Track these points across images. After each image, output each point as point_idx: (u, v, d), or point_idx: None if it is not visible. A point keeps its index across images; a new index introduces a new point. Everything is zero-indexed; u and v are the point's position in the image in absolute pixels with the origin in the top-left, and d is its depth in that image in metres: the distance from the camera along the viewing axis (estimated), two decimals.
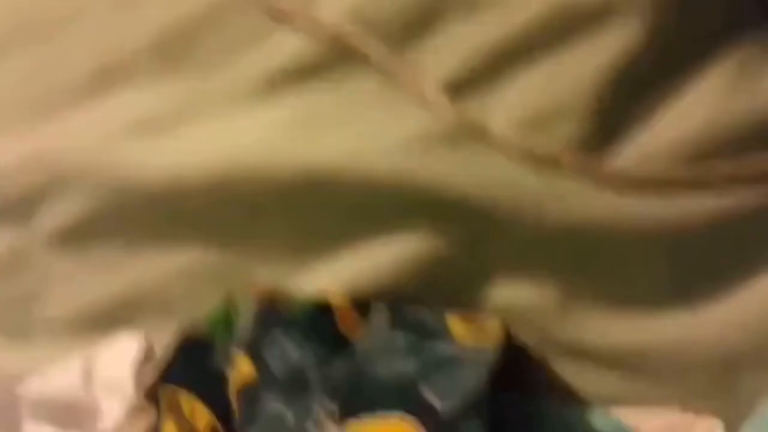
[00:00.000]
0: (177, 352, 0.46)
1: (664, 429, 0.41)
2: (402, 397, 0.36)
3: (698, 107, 0.42)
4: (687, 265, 0.42)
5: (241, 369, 0.41)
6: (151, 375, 0.46)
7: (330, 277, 0.47)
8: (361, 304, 0.45)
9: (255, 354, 0.41)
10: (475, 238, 0.44)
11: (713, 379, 0.41)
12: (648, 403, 0.42)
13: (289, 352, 0.41)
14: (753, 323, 0.41)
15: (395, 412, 0.36)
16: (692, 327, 0.42)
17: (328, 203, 0.46)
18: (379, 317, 0.44)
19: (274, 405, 0.39)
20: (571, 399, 0.43)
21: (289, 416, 0.38)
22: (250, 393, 0.40)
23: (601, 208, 0.42)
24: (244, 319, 0.44)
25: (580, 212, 0.42)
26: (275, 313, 0.43)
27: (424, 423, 0.35)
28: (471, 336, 0.42)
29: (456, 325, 0.43)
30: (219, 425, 0.43)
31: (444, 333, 0.42)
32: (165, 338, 0.47)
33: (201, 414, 0.43)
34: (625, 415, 0.42)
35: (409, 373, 0.38)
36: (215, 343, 0.46)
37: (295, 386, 0.39)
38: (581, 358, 0.44)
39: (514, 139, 0.43)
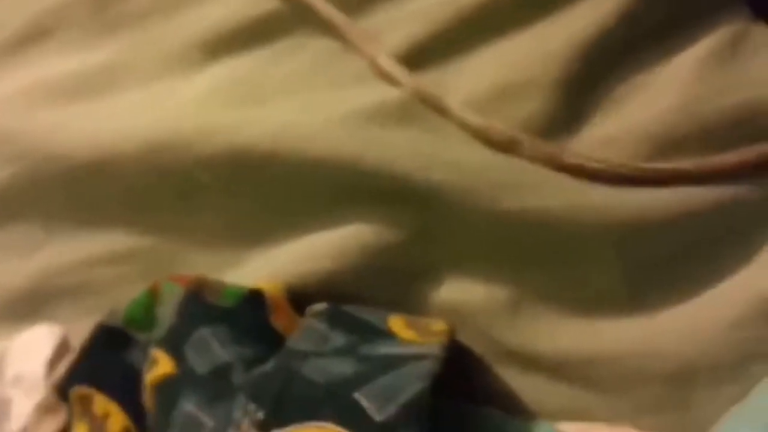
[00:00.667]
0: (91, 347, 0.41)
1: None
2: (335, 405, 0.33)
3: (667, 91, 0.40)
4: (644, 265, 0.40)
5: (159, 365, 0.37)
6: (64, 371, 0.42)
7: (265, 265, 0.44)
8: (298, 299, 0.42)
9: (176, 350, 0.38)
10: (424, 227, 0.41)
11: (666, 393, 0.39)
12: (596, 417, 0.40)
13: (214, 350, 0.37)
14: (711, 333, 0.39)
15: (326, 422, 0.32)
16: (647, 335, 0.40)
17: (263, 183, 0.43)
18: (316, 315, 0.40)
19: (191, 407, 0.35)
20: (515, 410, 0.40)
21: (208, 421, 0.34)
22: (167, 390, 0.36)
23: (558, 197, 0.40)
24: (167, 311, 0.39)
25: (536, 200, 0.40)
26: (201, 305, 0.39)
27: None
28: (415, 337, 0.38)
29: (399, 326, 0.40)
30: (135, 429, 0.39)
31: (386, 334, 0.39)
32: (84, 329, 0.43)
33: (115, 416, 0.39)
34: (572, 430, 0.39)
35: (345, 378, 0.34)
36: (134, 337, 0.41)
37: (217, 388, 0.35)
38: (529, 365, 0.41)
39: (472, 117, 0.40)
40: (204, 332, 0.38)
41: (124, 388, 0.40)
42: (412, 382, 0.33)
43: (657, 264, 0.39)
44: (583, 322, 0.40)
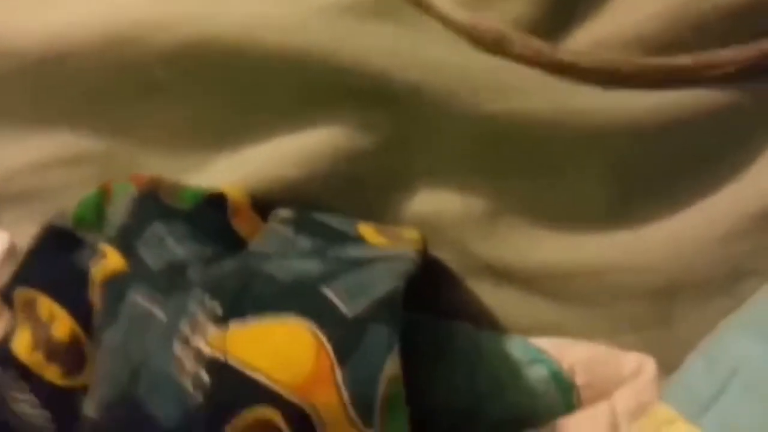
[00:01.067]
0: (37, 249, 0.39)
1: (588, 361, 0.37)
2: (299, 298, 0.30)
3: None
4: (632, 174, 0.38)
5: (107, 260, 0.34)
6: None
7: (228, 171, 0.41)
8: (262, 206, 0.39)
9: (127, 246, 0.35)
10: (399, 132, 0.39)
11: (648, 309, 0.38)
12: (571, 334, 0.38)
13: (169, 247, 0.35)
14: (700, 248, 0.37)
15: (289, 314, 0.30)
16: (630, 249, 0.38)
17: (227, 80, 0.40)
18: (281, 220, 0.38)
19: (142, 300, 0.32)
20: (487, 324, 0.39)
21: (160, 314, 0.31)
22: (116, 285, 0.33)
23: (545, 99, 0.37)
24: (119, 210, 0.37)
25: (521, 102, 0.37)
26: (157, 203, 0.37)
27: (324, 325, 0.29)
28: (386, 243, 0.36)
29: (369, 233, 0.37)
30: (82, 333, 0.36)
31: (355, 238, 0.36)
32: (32, 234, 0.40)
33: (62, 320, 0.37)
34: (546, 345, 0.37)
35: (311, 275, 0.32)
36: (83, 239, 0.39)
37: (171, 281, 0.33)
38: (502, 279, 0.39)
39: (457, 12, 0.37)
40: (158, 228, 0.35)
41: (72, 290, 0.37)
42: (385, 280, 0.30)
43: (645, 174, 0.38)
44: (564, 234, 0.38)
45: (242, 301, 0.30)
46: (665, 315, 0.37)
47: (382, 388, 0.28)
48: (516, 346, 0.37)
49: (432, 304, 0.38)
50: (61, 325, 0.36)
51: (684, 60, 0.36)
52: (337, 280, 0.31)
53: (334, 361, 0.28)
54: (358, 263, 0.32)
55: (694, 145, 0.37)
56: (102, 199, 0.39)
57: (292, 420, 0.28)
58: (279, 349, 0.29)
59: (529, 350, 0.37)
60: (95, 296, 0.34)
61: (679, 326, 0.37)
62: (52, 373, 0.36)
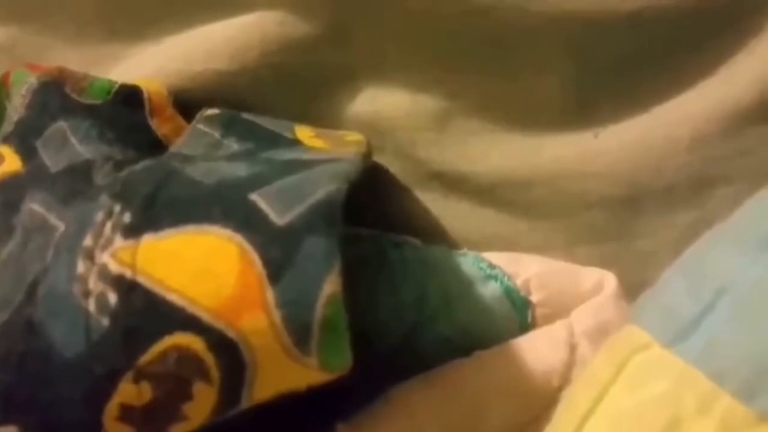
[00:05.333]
0: None
1: (544, 277, 0.34)
2: (223, 205, 0.26)
3: None
4: (596, 69, 0.34)
5: (4, 163, 0.30)
6: None
7: (148, 62, 0.36)
8: (185, 105, 0.35)
9: (25, 145, 0.30)
10: (341, 17, 0.35)
11: (607, 220, 0.35)
12: (525, 248, 0.35)
13: (72, 146, 0.30)
14: (668, 151, 0.34)
15: (210, 223, 0.25)
16: (592, 152, 0.35)
17: None
18: (207, 120, 0.33)
19: (39, 208, 0.28)
20: (436, 238, 0.36)
21: (60, 224, 0.27)
22: (10, 191, 0.29)
23: None
24: (17, 103, 0.32)
25: None
26: (61, 96, 0.32)
27: (251, 237, 0.25)
28: (326, 146, 0.32)
29: (306, 136, 0.33)
30: None
31: (291, 142, 0.32)
32: None
33: None
34: (499, 260, 0.34)
35: (238, 179, 0.27)
36: None
37: (73, 186, 0.28)
38: (453, 189, 0.36)
39: None
40: (61, 125, 0.31)
41: None
42: (323, 183, 0.26)
43: (609, 70, 0.34)
44: (520, 137, 0.35)
45: (156, 207, 0.26)
46: (626, 226, 0.34)
47: (320, 310, 0.24)
48: (467, 261, 0.34)
49: (375, 217, 0.35)
50: None
51: None
52: (268, 185, 0.27)
53: (265, 278, 0.24)
54: (293, 166, 0.28)
55: (663, 39, 0.33)
56: (0, 92, 0.34)
57: (216, 349, 0.24)
58: (198, 264, 0.25)
59: (482, 265, 0.34)
60: None
61: (641, 239, 0.34)
62: None
